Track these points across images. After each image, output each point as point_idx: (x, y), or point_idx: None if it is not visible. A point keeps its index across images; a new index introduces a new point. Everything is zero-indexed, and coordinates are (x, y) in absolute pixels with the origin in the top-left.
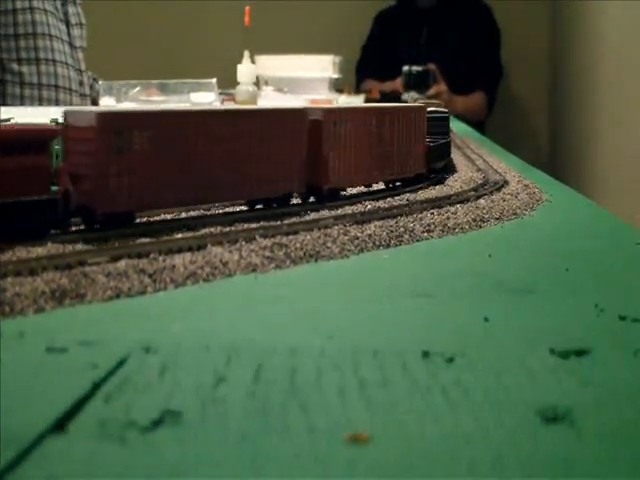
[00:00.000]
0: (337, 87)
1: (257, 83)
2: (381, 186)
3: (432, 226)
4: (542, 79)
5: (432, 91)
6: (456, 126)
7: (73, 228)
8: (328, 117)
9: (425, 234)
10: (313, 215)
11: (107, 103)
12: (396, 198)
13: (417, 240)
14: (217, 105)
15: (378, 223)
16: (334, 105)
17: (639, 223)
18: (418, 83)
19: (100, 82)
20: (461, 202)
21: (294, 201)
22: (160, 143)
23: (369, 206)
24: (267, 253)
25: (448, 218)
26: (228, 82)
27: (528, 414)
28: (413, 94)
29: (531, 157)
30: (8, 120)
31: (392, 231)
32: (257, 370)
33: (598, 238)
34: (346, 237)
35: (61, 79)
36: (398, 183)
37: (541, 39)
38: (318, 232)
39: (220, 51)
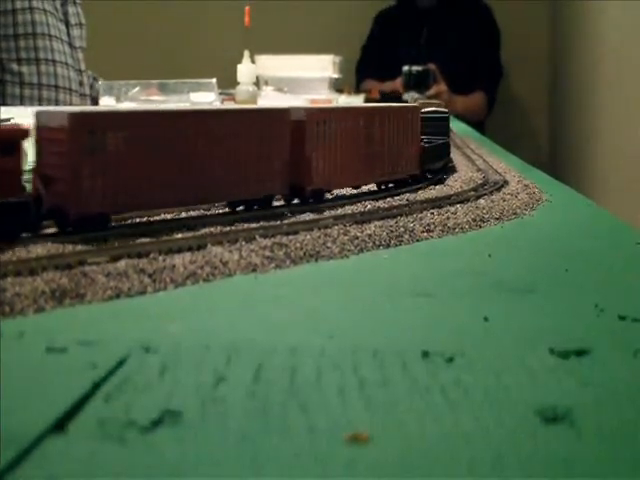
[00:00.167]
0: (337, 87)
1: (257, 83)
2: (373, 187)
3: (432, 226)
4: (542, 79)
5: (432, 91)
6: (456, 126)
7: (47, 231)
8: (311, 117)
9: (425, 234)
10: (304, 216)
11: (107, 103)
12: (396, 198)
13: (417, 240)
14: (217, 105)
15: (378, 223)
16: (319, 105)
17: (639, 223)
18: (418, 83)
19: (100, 82)
20: (461, 202)
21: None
22: (136, 144)
23: (369, 206)
24: (267, 253)
25: (448, 218)
26: (228, 82)
27: (528, 414)
28: (413, 94)
29: (531, 157)
30: (8, 120)
31: (392, 231)
32: (257, 370)
33: (598, 238)
34: (346, 237)
35: (61, 79)
36: (391, 185)
37: (541, 39)
38: (318, 232)
39: (220, 51)
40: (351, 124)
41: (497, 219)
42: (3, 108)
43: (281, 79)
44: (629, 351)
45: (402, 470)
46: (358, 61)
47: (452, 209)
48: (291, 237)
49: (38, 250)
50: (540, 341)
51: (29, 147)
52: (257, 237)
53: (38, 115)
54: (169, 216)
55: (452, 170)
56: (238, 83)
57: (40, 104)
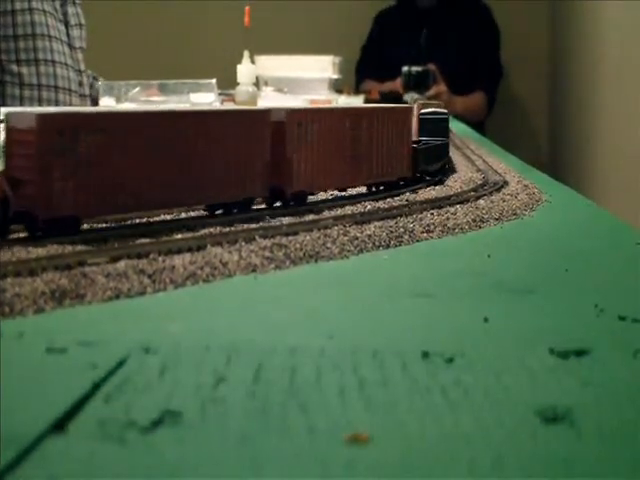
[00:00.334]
0: (337, 87)
1: (257, 83)
2: (362, 190)
3: (432, 226)
4: (542, 79)
5: (432, 91)
6: (456, 126)
7: (15, 236)
8: (292, 118)
9: (425, 234)
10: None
11: (107, 103)
12: (396, 199)
13: (417, 240)
14: (216, 105)
15: (378, 223)
16: (302, 106)
17: (639, 223)
18: (418, 83)
19: (100, 81)
20: (461, 202)
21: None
22: (107, 145)
23: (369, 206)
24: (267, 253)
25: (448, 218)
26: (228, 82)
27: (528, 414)
28: (413, 94)
29: (531, 157)
30: None
31: (392, 231)
32: (257, 370)
33: (598, 238)
34: (346, 237)
35: (60, 80)
36: (381, 187)
37: (541, 39)
38: (318, 232)
39: (220, 51)
40: (336, 125)
41: (497, 219)
42: (3, 109)
43: (281, 79)
44: (629, 351)
45: (402, 470)
46: (358, 61)
47: (452, 209)
48: (291, 238)
49: (38, 250)
50: (540, 341)
51: None
52: (257, 238)
53: (7, 116)
54: (169, 217)
55: (452, 170)
56: (238, 83)
57: (40, 105)
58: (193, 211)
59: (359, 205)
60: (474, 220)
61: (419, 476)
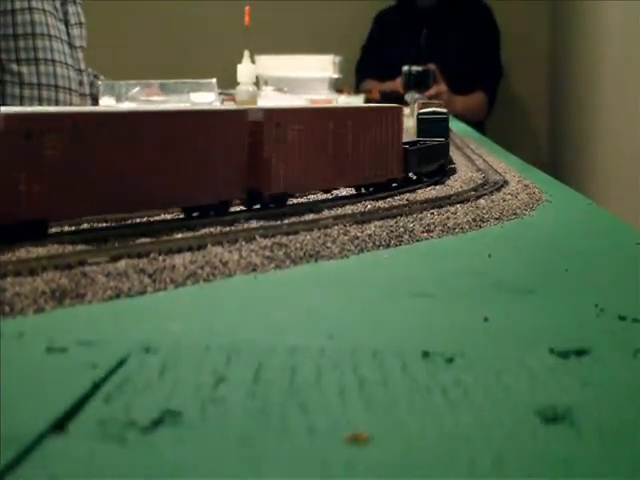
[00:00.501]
0: (337, 87)
1: (257, 83)
2: (352, 191)
3: (432, 226)
4: (542, 79)
5: (432, 91)
6: (456, 126)
7: None
8: (270, 118)
9: (425, 234)
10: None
11: (107, 103)
12: (396, 198)
13: (417, 240)
14: (216, 105)
15: (378, 223)
16: (282, 106)
17: (639, 223)
18: (418, 83)
19: (101, 79)
20: (461, 202)
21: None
22: (76, 147)
23: (369, 206)
24: (267, 253)
25: (448, 218)
26: (228, 82)
27: (528, 414)
28: (413, 94)
29: (531, 157)
30: None
31: (392, 231)
32: (257, 370)
33: (598, 238)
34: (346, 237)
35: (61, 79)
36: (371, 189)
37: (541, 39)
38: (318, 232)
39: (220, 51)
40: (318, 125)
41: (497, 219)
42: (3, 108)
43: (281, 79)
44: (629, 351)
45: (402, 470)
46: (358, 61)
47: (452, 209)
48: (291, 237)
49: (38, 250)
50: (540, 341)
51: None
52: (257, 237)
53: None
54: (169, 216)
55: (452, 170)
56: (238, 83)
57: (40, 104)
58: (169, 214)
59: (359, 205)
60: (474, 220)
61: (419, 476)
